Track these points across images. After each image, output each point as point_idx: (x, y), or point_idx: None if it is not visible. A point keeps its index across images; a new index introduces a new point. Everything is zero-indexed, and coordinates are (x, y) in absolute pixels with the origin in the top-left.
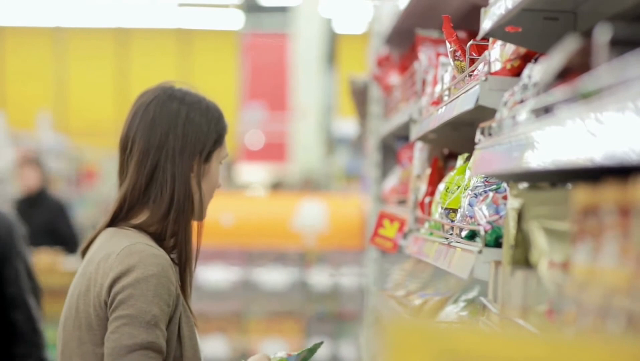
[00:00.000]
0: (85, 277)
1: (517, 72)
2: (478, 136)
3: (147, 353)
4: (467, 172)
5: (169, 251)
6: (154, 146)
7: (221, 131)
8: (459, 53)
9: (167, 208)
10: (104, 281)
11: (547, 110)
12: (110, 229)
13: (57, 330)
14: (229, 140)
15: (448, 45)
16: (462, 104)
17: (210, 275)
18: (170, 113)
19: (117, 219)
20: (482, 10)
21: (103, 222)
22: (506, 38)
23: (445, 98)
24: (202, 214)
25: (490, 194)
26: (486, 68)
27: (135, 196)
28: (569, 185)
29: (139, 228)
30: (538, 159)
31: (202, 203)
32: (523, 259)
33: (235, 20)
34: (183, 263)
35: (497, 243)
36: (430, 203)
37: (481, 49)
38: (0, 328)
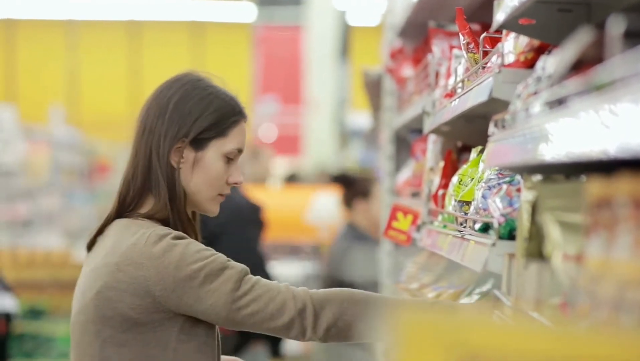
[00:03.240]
0: (107, 268)
1: (530, 64)
2: (491, 129)
3: (248, 281)
4: (481, 165)
5: None
6: (147, 131)
7: (220, 120)
8: (472, 45)
9: (165, 193)
10: (138, 272)
11: (560, 102)
12: (124, 220)
13: (68, 323)
14: None
15: (461, 37)
16: (476, 96)
17: None
18: (166, 97)
19: (124, 207)
20: (495, 2)
21: (111, 211)
22: (520, 30)
23: (459, 91)
24: (205, 207)
25: (504, 186)
26: (500, 60)
27: (137, 185)
28: (583, 177)
29: (148, 216)
30: (552, 152)
31: (198, 194)
32: (537, 251)
33: (248, 12)
34: None
35: (510, 236)
36: (443, 195)
37: (494, 41)
38: None
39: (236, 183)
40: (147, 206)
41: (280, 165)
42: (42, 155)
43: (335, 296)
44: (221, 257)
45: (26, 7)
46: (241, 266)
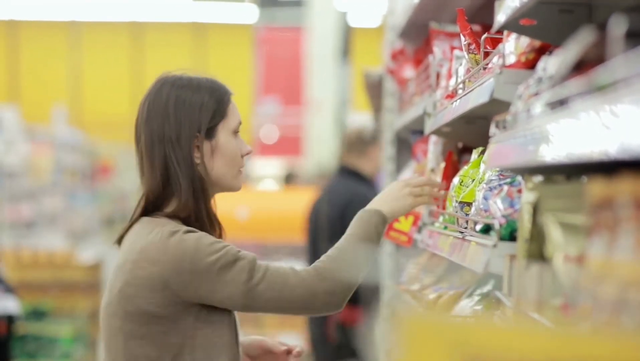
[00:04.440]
0: (127, 265)
1: (531, 65)
2: (493, 130)
3: (258, 267)
4: (482, 166)
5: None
6: (156, 139)
7: (218, 104)
8: (473, 46)
9: (188, 194)
10: (154, 268)
11: (562, 103)
12: (146, 219)
13: (70, 324)
14: (244, 134)
15: (462, 38)
16: (477, 97)
17: None
18: (162, 103)
19: (149, 209)
20: (497, 3)
21: (137, 213)
22: (521, 31)
23: (460, 91)
24: (232, 186)
25: (505, 187)
26: (501, 61)
27: (159, 191)
28: (584, 178)
29: (172, 216)
30: (553, 153)
31: (224, 177)
32: (538, 253)
33: (250, 14)
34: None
35: (511, 237)
36: (444, 196)
37: (495, 42)
38: None
39: (248, 153)
40: (171, 206)
41: (282, 166)
42: (44, 156)
43: (334, 262)
44: (232, 248)
45: (29, 8)
46: (251, 255)
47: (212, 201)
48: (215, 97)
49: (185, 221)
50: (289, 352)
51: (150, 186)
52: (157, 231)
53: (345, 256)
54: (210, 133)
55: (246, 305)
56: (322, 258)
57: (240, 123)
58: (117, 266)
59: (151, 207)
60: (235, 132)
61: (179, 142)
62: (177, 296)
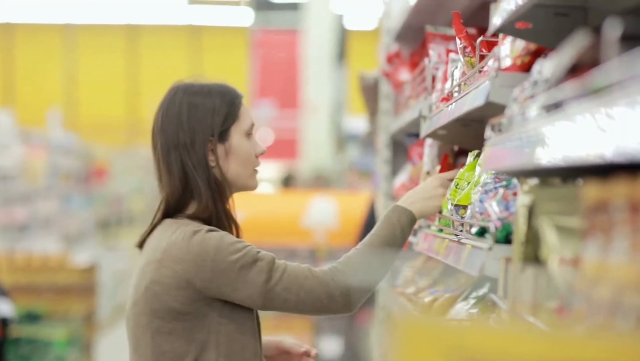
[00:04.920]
0: (152, 265)
1: (527, 68)
2: (488, 132)
3: (276, 268)
4: (477, 169)
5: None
6: (172, 146)
7: (229, 108)
8: (469, 49)
9: (207, 196)
10: (178, 267)
11: (557, 106)
12: (168, 220)
13: (64, 327)
14: None
15: (458, 41)
16: (472, 100)
17: None
18: (175, 111)
19: (169, 212)
20: (492, 6)
21: (158, 217)
22: (516, 34)
23: (456, 94)
24: (248, 185)
25: (501, 190)
26: (496, 64)
27: (179, 194)
28: (580, 181)
29: (194, 217)
30: (548, 155)
31: (239, 178)
32: (533, 255)
33: (246, 17)
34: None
35: (507, 240)
36: None
37: (491, 45)
38: None
39: (262, 153)
40: (192, 208)
41: (277, 169)
42: (39, 159)
43: (353, 264)
44: (252, 249)
45: (24, 11)
46: (270, 256)
47: (229, 202)
48: (227, 101)
49: (206, 222)
50: (306, 354)
51: (170, 190)
52: (180, 231)
53: (364, 258)
54: (223, 136)
55: (264, 305)
56: (342, 258)
57: (253, 125)
58: (141, 267)
59: (172, 210)
60: (249, 133)
61: (194, 148)
62: (201, 293)
